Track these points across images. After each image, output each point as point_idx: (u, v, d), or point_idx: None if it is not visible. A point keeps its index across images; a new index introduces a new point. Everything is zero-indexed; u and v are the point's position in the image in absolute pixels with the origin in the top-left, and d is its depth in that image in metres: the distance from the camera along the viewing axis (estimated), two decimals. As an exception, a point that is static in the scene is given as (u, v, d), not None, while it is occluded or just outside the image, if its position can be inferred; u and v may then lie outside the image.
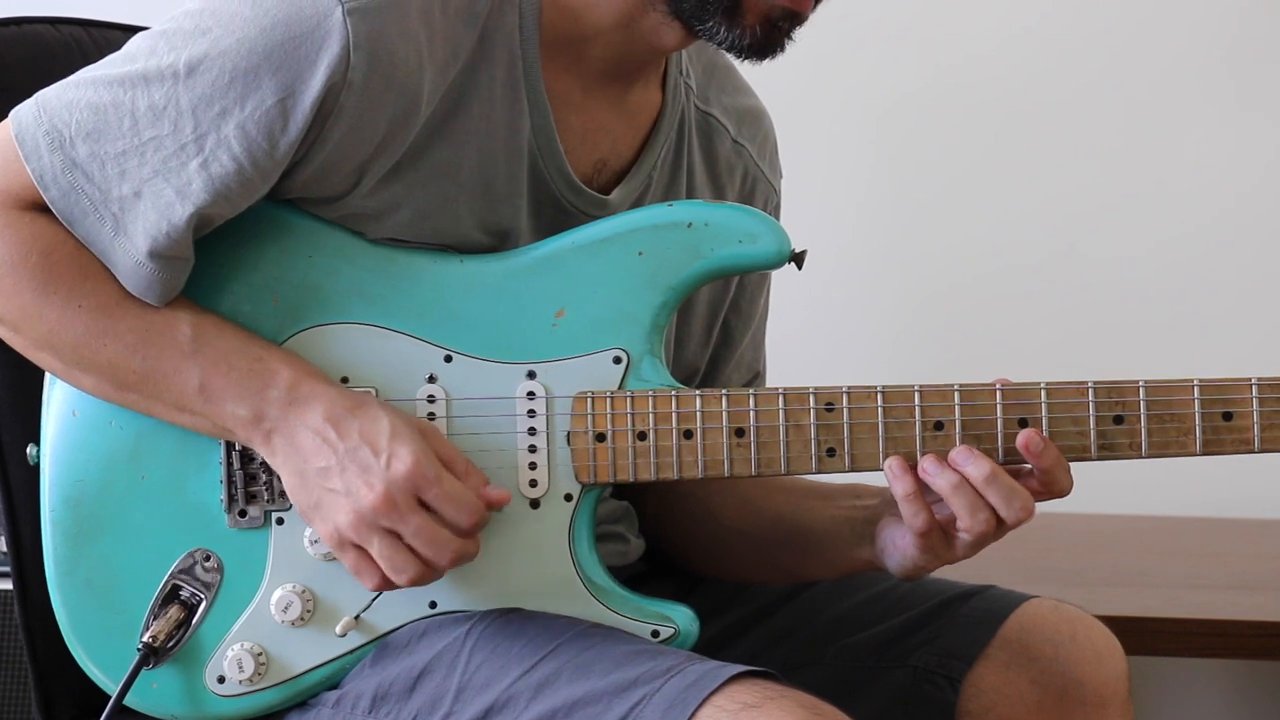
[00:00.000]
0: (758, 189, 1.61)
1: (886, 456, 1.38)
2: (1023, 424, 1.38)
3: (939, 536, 1.39)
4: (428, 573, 1.34)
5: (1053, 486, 1.39)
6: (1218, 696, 2.40)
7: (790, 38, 1.42)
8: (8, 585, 1.65)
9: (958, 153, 2.37)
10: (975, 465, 1.36)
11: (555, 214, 1.45)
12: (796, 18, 1.41)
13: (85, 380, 1.39)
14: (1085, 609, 1.55)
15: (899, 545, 1.42)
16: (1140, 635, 1.85)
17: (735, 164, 1.58)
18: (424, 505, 1.33)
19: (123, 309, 1.37)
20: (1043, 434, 1.37)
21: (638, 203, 1.50)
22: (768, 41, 1.41)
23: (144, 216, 1.35)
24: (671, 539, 1.62)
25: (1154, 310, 2.37)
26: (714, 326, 1.59)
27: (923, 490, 1.37)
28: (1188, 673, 2.38)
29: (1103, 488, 2.29)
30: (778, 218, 1.63)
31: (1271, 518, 2.35)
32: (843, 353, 2.17)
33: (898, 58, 2.34)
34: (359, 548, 1.34)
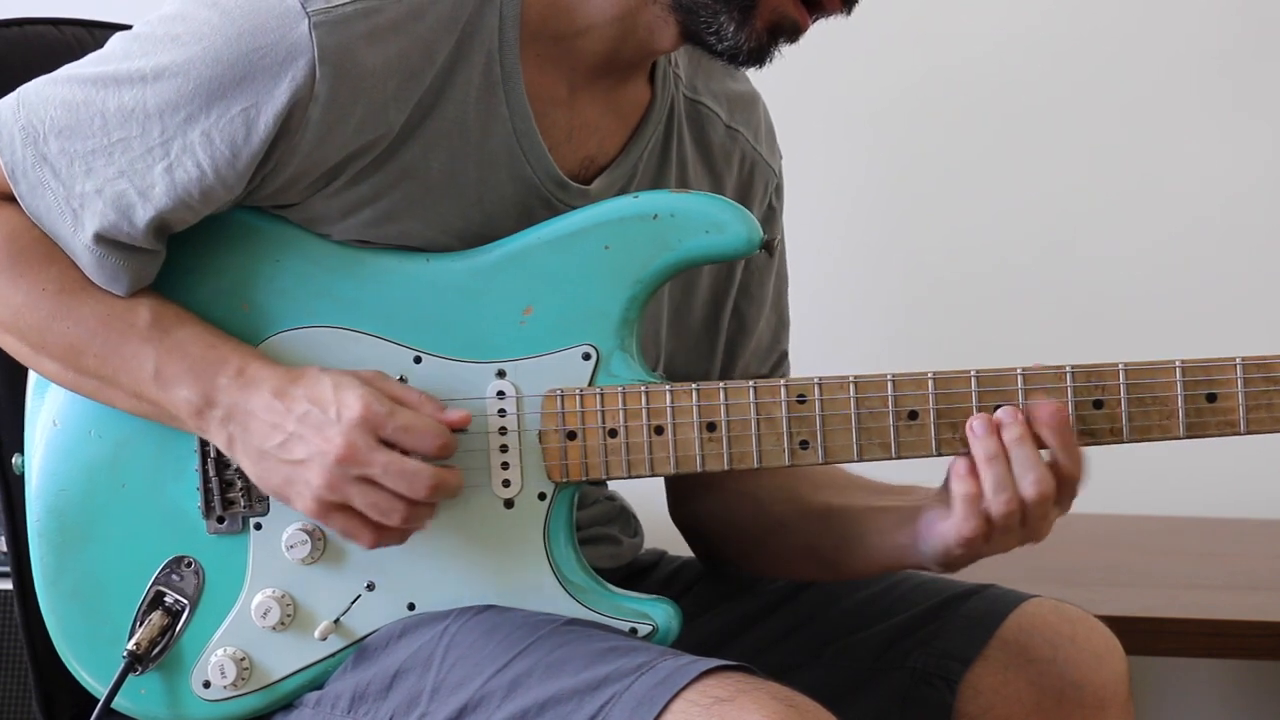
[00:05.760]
0: (757, 172, 1.52)
1: (861, 448, 1.29)
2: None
3: (983, 538, 1.31)
4: (415, 510, 1.27)
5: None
6: (1218, 696, 2.32)
7: (780, 52, 1.35)
8: (8, 585, 1.60)
9: (955, 151, 2.31)
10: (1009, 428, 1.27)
11: (547, 215, 1.37)
12: (797, 32, 1.34)
13: (48, 365, 1.34)
14: (1085, 609, 1.47)
15: (938, 528, 1.33)
16: (1140, 635, 1.76)
17: (731, 150, 1.50)
18: (387, 444, 1.26)
19: (86, 293, 1.32)
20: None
21: (620, 193, 1.42)
22: (763, 50, 1.34)
23: (102, 214, 1.30)
24: (716, 532, 1.54)
25: (1150, 310, 2.29)
26: (722, 315, 1.51)
27: (982, 496, 1.29)
28: (1188, 673, 2.30)
29: (1103, 488, 2.21)
30: (780, 200, 1.56)
31: (1272, 518, 2.26)
32: (839, 351, 2.13)
33: (895, 56, 2.29)
34: (341, 508, 1.27)
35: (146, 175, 1.28)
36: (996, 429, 1.28)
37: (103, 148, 1.29)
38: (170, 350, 1.30)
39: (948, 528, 1.31)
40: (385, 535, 1.28)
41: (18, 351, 1.35)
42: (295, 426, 1.26)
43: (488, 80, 1.33)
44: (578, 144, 1.39)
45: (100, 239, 1.30)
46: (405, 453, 1.26)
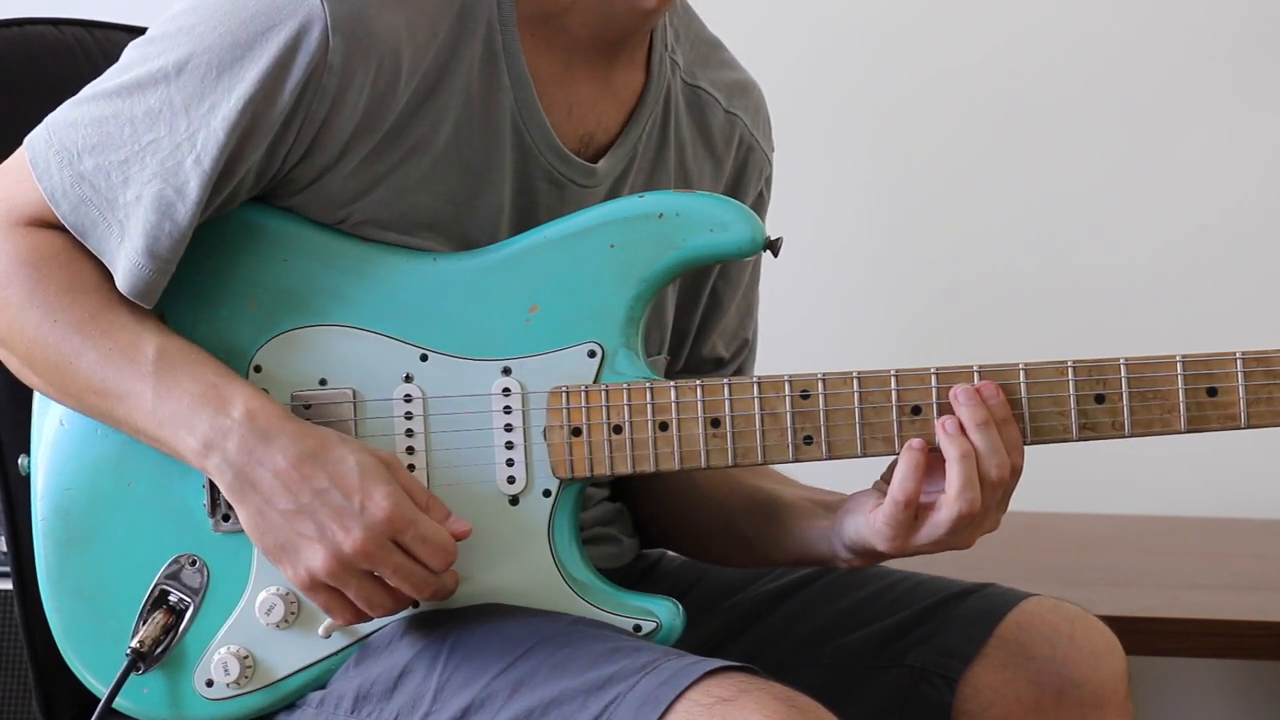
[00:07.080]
0: (752, 158, 1.54)
1: (864, 443, 1.30)
2: (1001, 406, 1.30)
3: (910, 517, 1.31)
4: (405, 605, 1.30)
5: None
6: (1218, 696, 2.32)
7: None
8: (8, 585, 1.60)
9: (959, 152, 2.32)
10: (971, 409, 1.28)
11: (549, 187, 1.39)
12: None
13: (64, 399, 1.35)
14: (1085, 609, 1.47)
15: (863, 508, 1.34)
16: (1140, 635, 1.76)
17: (730, 133, 1.52)
18: (398, 545, 1.27)
19: (94, 325, 1.31)
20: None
21: (624, 173, 1.44)
22: None
23: (145, 219, 1.30)
24: (648, 507, 1.55)
25: (1156, 313, 2.29)
26: (702, 292, 1.53)
27: (927, 471, 1.30)
28: (1188, 673, 2.30)
29: (1103, 488, 2.21)
30: (769, 190, 1.57)
31: (1273, 518, 2.26)
32: (843, 351, 2.13)
33: (898, 58, 2.29)
34: (330, 589, 1.29)
35: (179, 172, 1.29)
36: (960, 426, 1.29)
37: (135, 154, 1.30)
38: (170, 389, 1.29)
39: (876, 510, 1.32)
40: (363, 620, 1.30)
41: (37, 386, 1.35)
42: (310, 500, 1.26)
43: (489, 51, 1.35)
44: (577, 121, 1.40)
45: (150, 255, 1.30)
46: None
